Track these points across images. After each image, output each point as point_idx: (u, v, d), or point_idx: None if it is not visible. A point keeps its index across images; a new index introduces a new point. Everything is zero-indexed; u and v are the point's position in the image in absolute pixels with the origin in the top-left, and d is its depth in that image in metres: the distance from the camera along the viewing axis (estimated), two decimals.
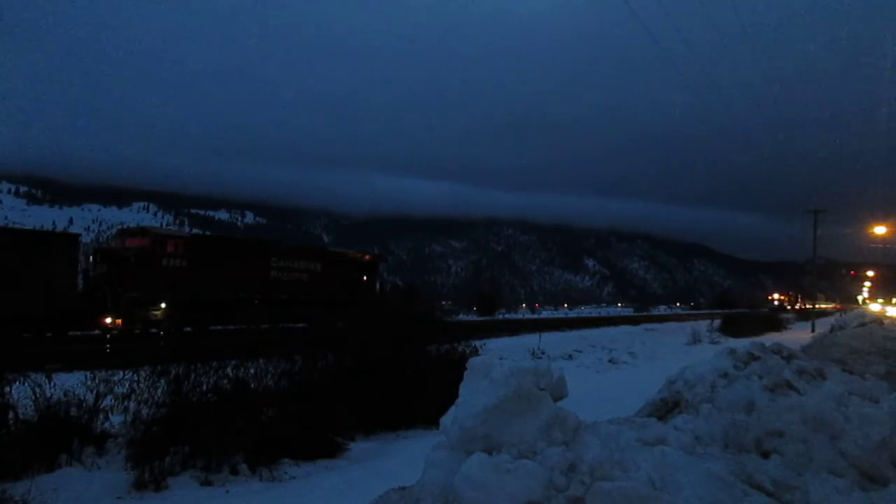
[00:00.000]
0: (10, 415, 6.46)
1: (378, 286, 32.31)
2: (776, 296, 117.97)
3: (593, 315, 61.15)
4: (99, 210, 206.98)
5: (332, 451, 7.77)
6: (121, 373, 7.32)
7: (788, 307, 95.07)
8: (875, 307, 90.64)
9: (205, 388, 7.22)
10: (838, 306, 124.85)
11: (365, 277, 30.66)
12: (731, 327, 36.37)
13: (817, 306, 61.43)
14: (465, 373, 4.13)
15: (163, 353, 8.38)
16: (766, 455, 4.23)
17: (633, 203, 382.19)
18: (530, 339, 23.42)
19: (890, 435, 4.23)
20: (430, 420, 7.69)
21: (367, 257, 32.80)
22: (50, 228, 75.06)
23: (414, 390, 9.07)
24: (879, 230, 42.12)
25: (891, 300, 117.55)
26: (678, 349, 25.70)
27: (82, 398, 6.86)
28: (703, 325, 34.44)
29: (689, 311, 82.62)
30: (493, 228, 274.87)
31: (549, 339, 23.70)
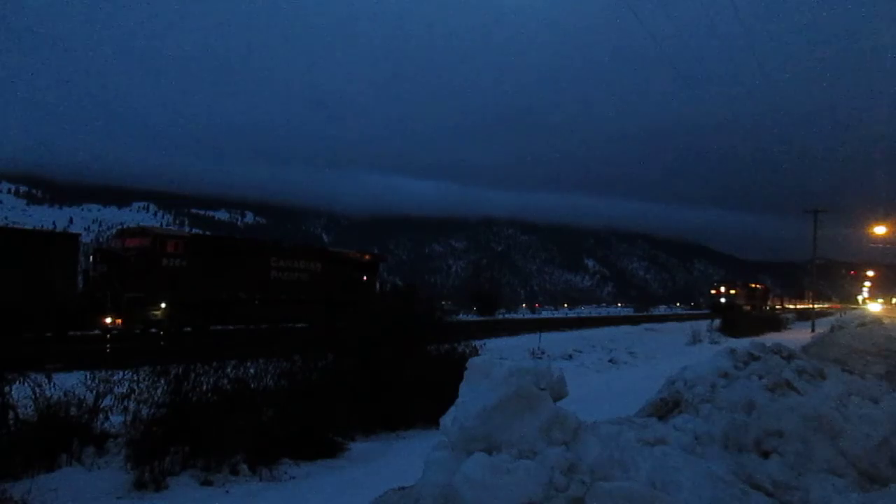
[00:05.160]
0: (10, 415, 6.45)
1: (378, 286, 32.31)
2: (722, 290, 75.52)
3: (593, 315, 61.15)
4: (99, 210, 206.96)
5: (332, 451, 7.78)
6: (121, 373, 7.31)
7: (747, 307, 65.10)
8: (875, 307, 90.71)
9: (205, 388, 7.22)
10: (835, 306, 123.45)
11: (365, 277, 30.67)
12: (731, 327, 36.36)
13: (812, 306, 57.52)
14: (465, 373, 4.13)
15: (163, 353, 8.38)
16: (766, 455, 4.23)
17: (633, 203, 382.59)
18: (530, 339, 23.42)
19: (890, 435, 4.23)
20: (430, 420, 7.70)
21: (367, 257, 32.82)
22: (50, 228, 75.17)
23: (414, 390, 9.07)
24: (879, 230, 42.13)
25: (890, 300, 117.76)
26: (678, 349, 25.69)
27: (82, 398, 6.85)
28: (703, 325, 34.44)
29: (688, 311, 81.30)
30: (493, 228, 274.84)
31: (549, 339, 23.70)
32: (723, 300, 70.63)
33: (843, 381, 5.90)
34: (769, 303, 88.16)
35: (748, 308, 63.85)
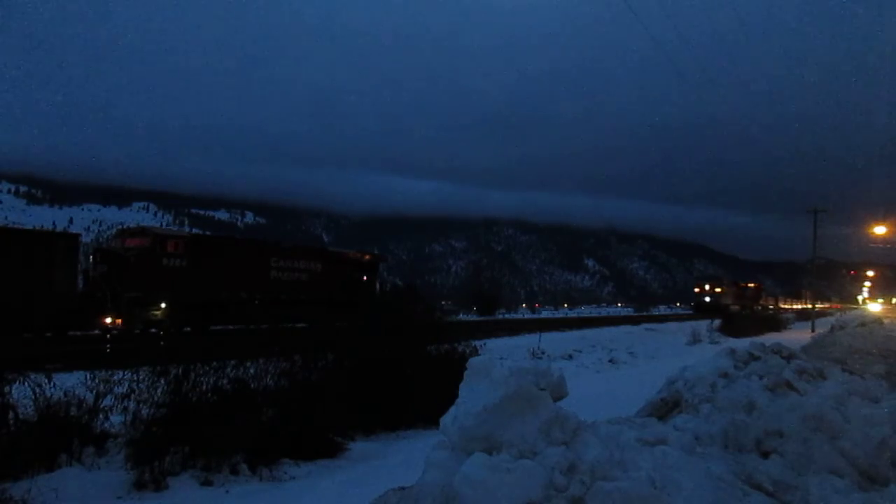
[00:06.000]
0: (10, 415, 6.44)
1: (378, 286, 32.30)
2: (707, 288, 70.15)
3: (593, 315, 61.08)
4: (99, 210, 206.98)
5: (332, 451, 7.77)
6: (121, 373, 7.30)
7: (736, 307, 59.21)
8: (875, 307, 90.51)
9: (205, 388, 7.21)
10: (835, 306, 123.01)
11: (365, 277, 30.67)
12: (731, 327, 36.38)
13: (812, 306, 55.69)
14: (465, 373, 4.13)
15: (163, 353, 8.36)
16: (766, 455, 4.23)
17: (633, 203, 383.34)
18: (530, 339, 23.42)
19: (890, 435, 4.23)
20: (430, 420, 7.69)
21: (367, 257, 32.81)
22: (50, 228, 75.12)
23: (414, 390, 9.07)
24: (879, 230, 42.14)
25: (890, 300, 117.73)
26: (678, 349, 25.70)
27: (82, 398, 6.84)
28: (703, 325, 34.46)
29: (688, 312, 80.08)
30: (493, 228, 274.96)
31: (549, 339, 23.70)
32: (707, 299, 66.10)
33: (843, 381, 5.90)
34: (761, 302, 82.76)
35: (737, 308, 58.88)
